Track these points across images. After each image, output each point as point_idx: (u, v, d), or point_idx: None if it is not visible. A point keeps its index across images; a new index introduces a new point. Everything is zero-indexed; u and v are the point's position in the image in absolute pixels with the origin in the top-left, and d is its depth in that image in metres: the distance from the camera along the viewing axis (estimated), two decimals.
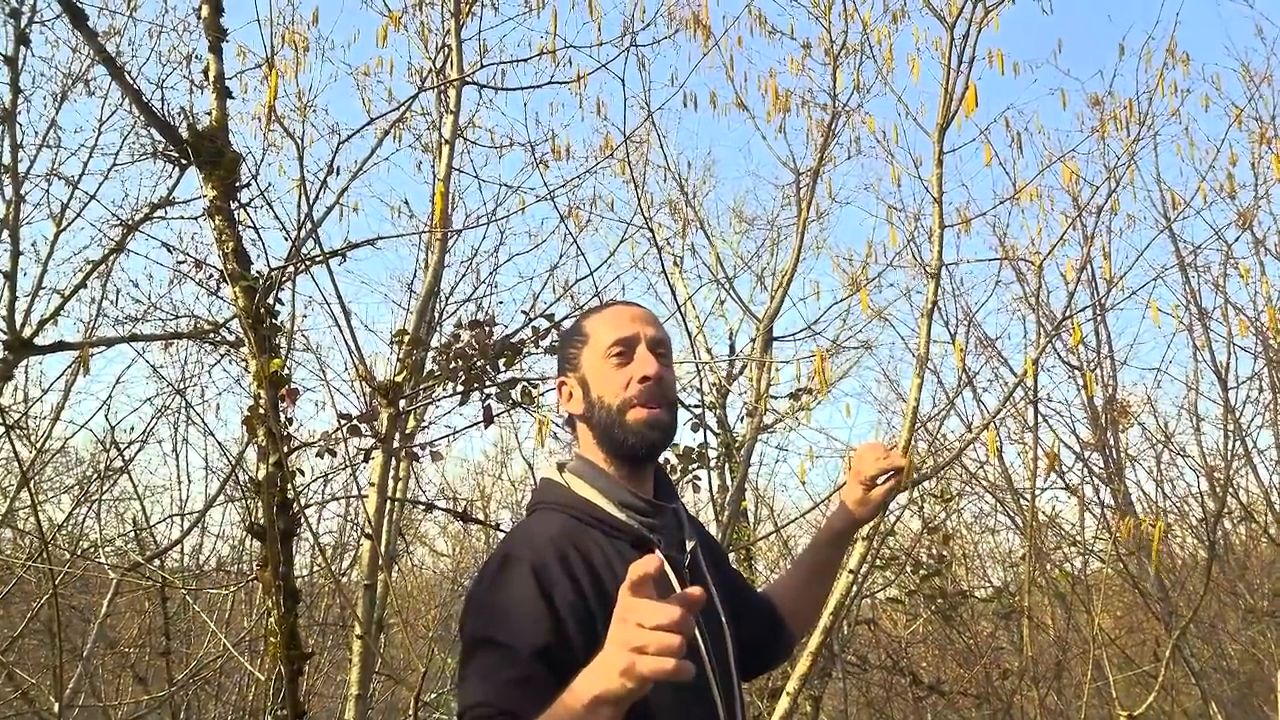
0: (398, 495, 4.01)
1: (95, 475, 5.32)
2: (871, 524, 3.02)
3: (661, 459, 3.82)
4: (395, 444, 3.02)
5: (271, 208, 2.92)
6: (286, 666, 2.86)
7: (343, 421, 2.92)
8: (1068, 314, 3.07)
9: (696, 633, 1.38)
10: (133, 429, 5.30)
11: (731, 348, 9.86)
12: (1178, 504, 5.94)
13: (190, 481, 6.48)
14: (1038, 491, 5.75)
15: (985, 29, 3.29)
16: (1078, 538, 4.86)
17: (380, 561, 3.23)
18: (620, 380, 1.42)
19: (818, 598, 1.83)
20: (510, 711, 1.17)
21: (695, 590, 0.99)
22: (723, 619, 1.47)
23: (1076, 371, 5.69)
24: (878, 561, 4.72)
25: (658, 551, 1.40)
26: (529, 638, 1.22)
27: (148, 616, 6.04)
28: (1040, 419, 5.72)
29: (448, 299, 4.43)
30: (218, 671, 5.60)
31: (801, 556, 1.84)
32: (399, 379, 3.06)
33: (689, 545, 1.48)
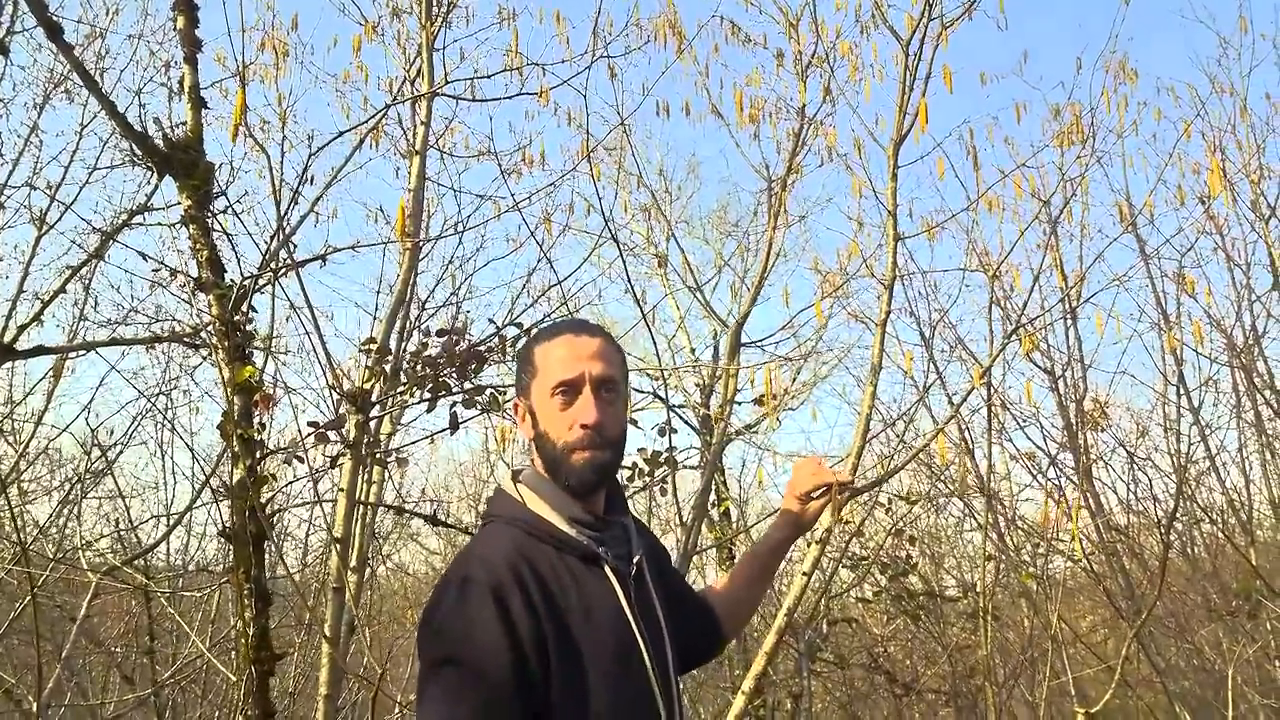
0: (370, 499, 4.09)
1: (77, 477, 5.38)
2: (825, 528, 3.11)
3: (630, 463, 3.86)
4: (364, 450, 3.09)
5: (240, 220, 2.97)
6: (257, 667, 2.94)
7: (311, 429, 2.99)
8: (1019, 324, 3.16)
9: (639, 638, 1.46)
10: (112, 432, 5.36)
11: (716, 346, 9.95)
12: (1147, 505, 6.03)
13: (176, 481, 6.54)
14: (1014, 491, 5.86)
15: (941, 44, 3.37)
16: (1044, 536, 4.95)
17: (351, 565, 3.31)
18: (564, 422, 1.48)
19: (753, 600, 1.93)
20: None
21: None
22: (663, 625, 1.56)
23: (1047, 375, 5.78)
24: (845, 561, 4.80)
25: (605, 565, 1.49)
26: (491, 661, 1.27)
27: (133, 616, 6.10)
28: (1014, 420, 5.82)
29: (423, 305, 4.50)
30: (203, 670, 5.67)
31: (741, 562, 1.93)
32: (367, 386, 3.14)
33: (635, 558, 1.56)
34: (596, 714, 1.35)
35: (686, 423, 7.61)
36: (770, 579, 1.99)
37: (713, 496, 6.78)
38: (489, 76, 3.51)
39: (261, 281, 3.23)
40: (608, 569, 1.47)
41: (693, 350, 9.47)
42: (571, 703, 1.34)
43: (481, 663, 1.27)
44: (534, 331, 1.94)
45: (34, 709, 3.66)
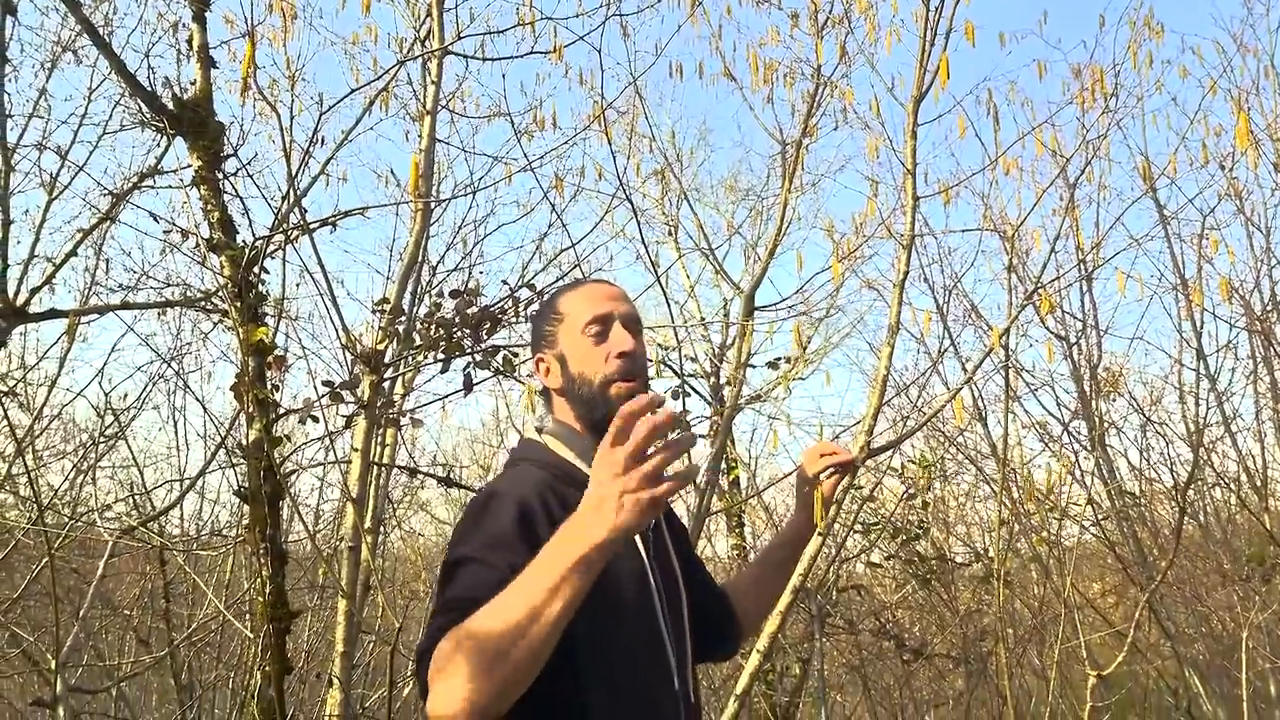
0: (383, 461, 4.10)
1: (92, 442, 5.40)
2: (842, 487, 3.09)
3: None
4: (378, 410, 3.09)
5: (253, 179, 2.95)
6: (275, 625, 2.96)
7: (325, 388, 2.99)
8: (1039, 285, 3.12)
9: (654, 593, 1.46)
10: (125, 396, 5.36)
11: (726, 315, 9.90)
12: (1160, 471, 6.02)
13: (189, 447, 6.56)
14: (1025, 458, 5.84)
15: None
16: (1056, 503, 4.94)
17: (365, 525, 3.32)
18: (599, 356, 1.49)
19: (770, 597, 1.91)
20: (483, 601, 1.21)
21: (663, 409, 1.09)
22: (680, 583, 1.55)
23: (1062, 341, 5.74)
24: (858, 526, 4.81)
25: None
26: (510, 558, 1.26)
27: (149, 579, 6.16)
28: (1026, 387, 5.80)
29: (434, 269, 4.48)
30: (218, 632, 5.74)
31: (758, 558, 1.92)
32: (381, 346, 3.13)
33: None
34: (616, 650, 1.36)
35: (697, 391, 7.60)
36: (788, 574, 1.93)
37: (722, 464, 6.78)
38: (500, 32, 3.47)
39: (273, 244, 3.21)
40: None
41: (703, 319, 9.44)
42: (596, 634, 1.33)
43: (500, 559, 1.27)
44: (549, 291, 1.92)
45: (52, 667, 3.71)
